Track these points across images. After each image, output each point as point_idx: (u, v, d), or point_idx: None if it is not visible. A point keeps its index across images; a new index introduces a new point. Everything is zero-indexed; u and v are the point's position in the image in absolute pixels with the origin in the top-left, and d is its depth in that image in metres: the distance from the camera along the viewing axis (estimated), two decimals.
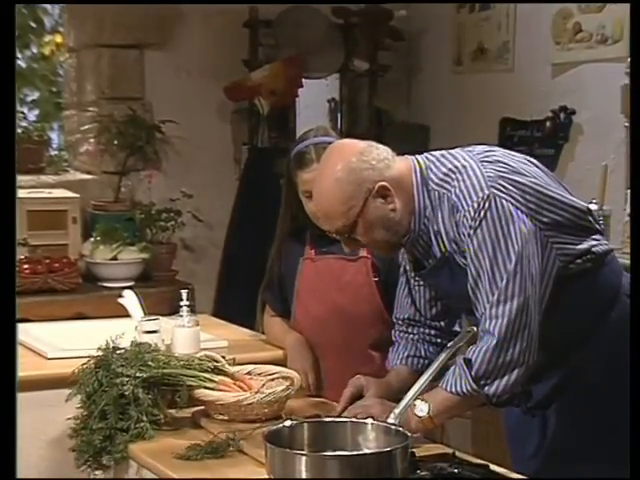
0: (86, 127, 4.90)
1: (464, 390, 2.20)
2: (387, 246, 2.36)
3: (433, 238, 2.29)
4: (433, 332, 2.52)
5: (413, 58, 5.34)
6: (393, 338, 2.58)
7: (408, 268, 2.50)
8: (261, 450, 2.06)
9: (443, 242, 2.27)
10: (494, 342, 2.17)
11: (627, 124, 4.01)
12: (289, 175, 2.84)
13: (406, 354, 2.52)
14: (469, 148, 2.35)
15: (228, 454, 2.21)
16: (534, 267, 2.20)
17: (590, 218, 2.35)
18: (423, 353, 2.51)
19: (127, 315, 2.90)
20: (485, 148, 2.35)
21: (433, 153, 2.35)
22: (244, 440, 2.24)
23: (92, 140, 4.85)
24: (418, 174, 2.29)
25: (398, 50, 5.22)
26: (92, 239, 4.46)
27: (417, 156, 2.34)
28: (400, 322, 2.56)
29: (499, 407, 2.34)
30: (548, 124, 4.48)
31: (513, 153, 2.36)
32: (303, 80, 4.87)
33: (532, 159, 2.38)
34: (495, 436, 2.69)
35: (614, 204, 3.99)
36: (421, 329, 2.52)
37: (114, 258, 4.40)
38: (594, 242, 2.33)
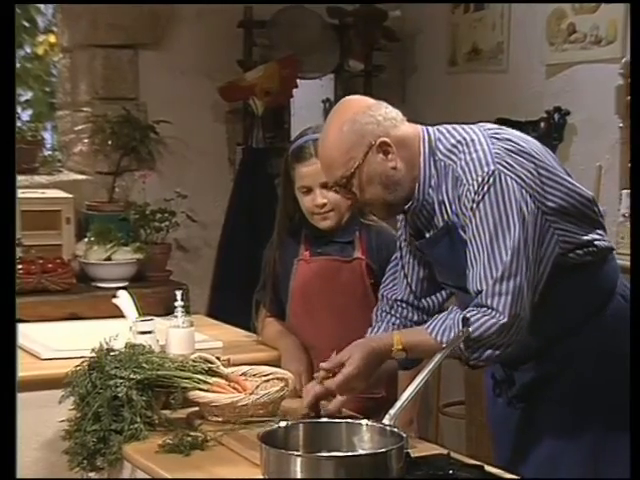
0: (80, 127, 4.89)
1: (445, 341, 2.18)
2: (383, 206, 2.35)
3: (437, 208, 2.28)
4: (416, 316, 2.50)
5: (408, 58, 5.34)
6: (374, 317, 2.55)
7: (404, 239, 2.47)
8: (255, 451, 2.06)
9: (447, 212, 2.26)
10: (504, 321, 2.13)
11: (621, 125, 4.01)
12: (286, 172, 2.85)
13: None
14: (481, 124, 2.35)
15: (223, 454, 2.21)
16: (531, 249, 2.17)
17: (595, 209, 2.34)
18: None
19: (121, 315, 2.90)
20: (497, 126, 2.34)
21: (445, 126, 2.35)
22: (233, 439, 2.25)
23: (86, 140, 4.84)
24: (426, 143, 2.30)
25: (393, 50, 5.22)
26: (86, 239, 4.45)
27: (428, 127, 2.35)
28: (386, 300, 2.53)
29: (471, 369, 2.32)
30: (542, 125, 4.48)
31: (525, 136, 2.34)
32: (298, 80, 4.86)
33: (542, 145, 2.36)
34: (489, 437, 2.69)
35: (608, 205, 3.98)
36: (404, 312, 2.50)
37: (108, 258, 4.38)
38: (597, 236, 2.32)
